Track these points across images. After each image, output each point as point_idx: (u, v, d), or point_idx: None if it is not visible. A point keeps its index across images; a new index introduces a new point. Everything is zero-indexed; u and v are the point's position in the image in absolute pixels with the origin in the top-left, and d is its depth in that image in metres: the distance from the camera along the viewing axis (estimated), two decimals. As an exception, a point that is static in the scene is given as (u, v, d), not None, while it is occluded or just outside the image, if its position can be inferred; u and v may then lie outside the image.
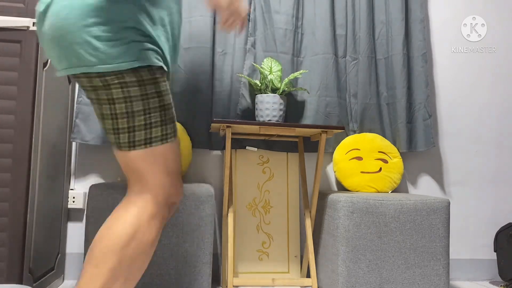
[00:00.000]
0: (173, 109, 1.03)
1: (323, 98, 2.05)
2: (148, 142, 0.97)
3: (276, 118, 1.87)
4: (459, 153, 2.24)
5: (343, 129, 1.79)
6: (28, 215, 1.45)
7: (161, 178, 1.00)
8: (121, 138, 0.96)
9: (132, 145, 0.96)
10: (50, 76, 1.58)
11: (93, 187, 1.56)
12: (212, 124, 1.74)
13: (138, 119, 0.95)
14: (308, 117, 2.04)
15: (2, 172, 1.42)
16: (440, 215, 1.68)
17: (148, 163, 0.98)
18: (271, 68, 1.93)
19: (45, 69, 1.53)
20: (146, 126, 0.96)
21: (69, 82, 1.88)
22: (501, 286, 2.05)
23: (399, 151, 2.07)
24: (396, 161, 2.03)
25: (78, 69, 0.92)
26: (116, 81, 0.93)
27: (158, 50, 0.99)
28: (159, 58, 0.99)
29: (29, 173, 1.44)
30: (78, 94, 1.90)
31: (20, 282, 1.43)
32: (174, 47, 1.10)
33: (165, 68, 1.01)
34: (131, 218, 0.94)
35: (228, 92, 2.02)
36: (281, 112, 1.88)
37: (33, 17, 1.46)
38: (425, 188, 2.21)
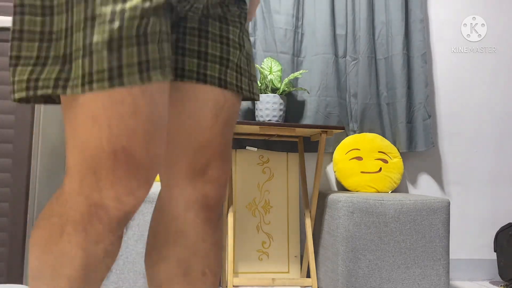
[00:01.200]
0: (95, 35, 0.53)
1: (323, 98, 2.04)
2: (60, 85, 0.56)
3: (276, 118, 1.87)
4: (459, 153, 2.24)
5: (343, 129, 1.79)
6: (28, 215, 1.45)
7: (75, 159, 0.57)
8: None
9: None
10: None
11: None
12: (212, 124, 1.74)
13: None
14: (308, 117, 2.04)
15: (2, 172, 1.42)
16: (440, 215, 1.67)
17: (66, 125, 0.58)
18: (271, 68, 1.93)
19: (45, 69, 1.52)
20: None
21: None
22: (501, 286, 2.05)
23: (399, 151, 2.07)
24: (396, 161, 2.03)
25: None
26: None
27: None
28: None
29: (29, 173, 1.44)
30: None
31: (20, 282, 1.43)
32: None
33: None
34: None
35: (228, 92, 2.02)
36: (281, 112, 1.88)
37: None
38: (425, 188, 2.21)
